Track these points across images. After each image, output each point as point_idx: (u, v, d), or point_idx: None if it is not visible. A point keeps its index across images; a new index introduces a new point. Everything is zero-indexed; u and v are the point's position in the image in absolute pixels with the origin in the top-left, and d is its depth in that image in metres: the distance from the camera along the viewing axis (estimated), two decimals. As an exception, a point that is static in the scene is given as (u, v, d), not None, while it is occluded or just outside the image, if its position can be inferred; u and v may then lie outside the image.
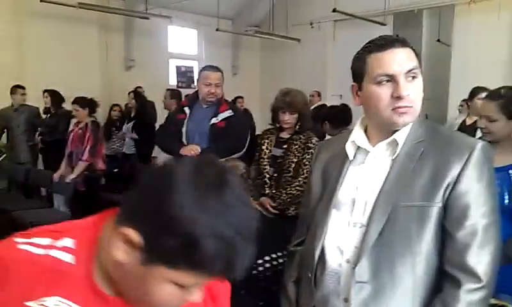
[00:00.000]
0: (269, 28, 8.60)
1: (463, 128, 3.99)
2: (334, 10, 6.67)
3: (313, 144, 2.65)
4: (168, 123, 3.30)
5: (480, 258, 1.02)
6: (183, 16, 8.89)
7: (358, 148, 1.20)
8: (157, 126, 5.22)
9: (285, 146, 2.73)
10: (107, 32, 7.68)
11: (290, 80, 8.96)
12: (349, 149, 1.20)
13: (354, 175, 1.19)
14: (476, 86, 3.89)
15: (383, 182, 1.11)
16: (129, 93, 6.28)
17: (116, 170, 5.73)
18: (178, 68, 9.03)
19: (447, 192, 1.05)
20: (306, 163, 2.61)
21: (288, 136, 2.75)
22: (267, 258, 1.64)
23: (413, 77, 1.10)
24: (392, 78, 1.09)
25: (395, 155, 1.12)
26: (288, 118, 2.69)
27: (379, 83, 1.10)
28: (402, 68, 1.08)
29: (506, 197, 1.84)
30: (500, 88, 1.90)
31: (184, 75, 8.87)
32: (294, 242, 1.36)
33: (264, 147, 2.81)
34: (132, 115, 6.08)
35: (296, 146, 2.68)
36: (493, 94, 1.88)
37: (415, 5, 7.90)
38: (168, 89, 5.82)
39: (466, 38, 7.71)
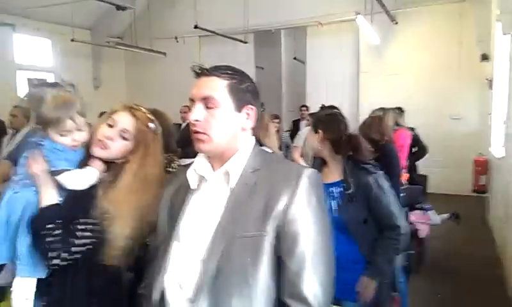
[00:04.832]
0: (132, 40, 8.29)
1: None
2: (196, 27, 6.72)
3: (173, 168, 2.55)
4: None
5: (310, 284, 1.03)
6: (33, 24, 8.02)
7: (203, 177, 1.15)
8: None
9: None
10: None
11: (158, 93, 8.77)
12: (191, 177, 1.15)
13: (196, 206, 1.14)
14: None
15: (221, 213, 1.07)
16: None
17: None
18: (30, 80, 8.12)
19: (278, 221, 1.03)
20: None
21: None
22: None
23: (209, 107, 1.09)
24: (192, 103, 1.11)
25: (232, 184, 1.09)
26: None
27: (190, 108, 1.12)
28: (198, 94, 1.10)
29: (335, 210, 1.99)
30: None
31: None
32: (143, 283, 1.25)
33: None
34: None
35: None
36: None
37: (272, 25, 8.46)
38: (17, 107, 4.34)
39: (318, 55, 8.55)
